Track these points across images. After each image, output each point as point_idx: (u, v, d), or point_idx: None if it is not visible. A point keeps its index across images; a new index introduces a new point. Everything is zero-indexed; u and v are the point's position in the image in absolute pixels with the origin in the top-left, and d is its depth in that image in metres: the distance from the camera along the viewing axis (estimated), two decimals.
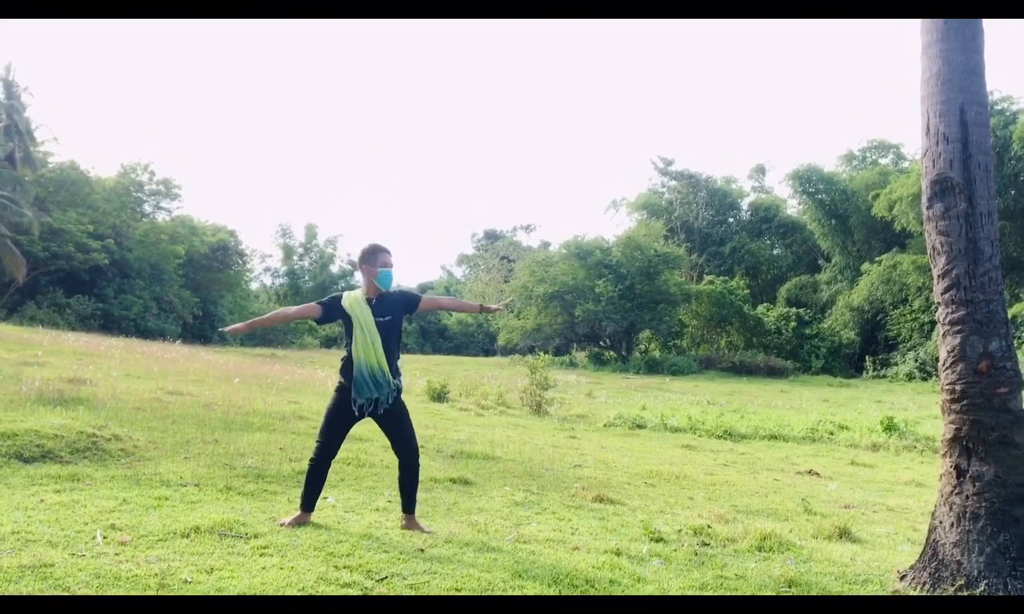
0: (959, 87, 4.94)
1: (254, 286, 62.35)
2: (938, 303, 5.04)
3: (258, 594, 4.13)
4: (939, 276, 5.00)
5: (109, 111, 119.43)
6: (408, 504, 5.99)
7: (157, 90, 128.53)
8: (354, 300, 6.00)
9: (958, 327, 4.87)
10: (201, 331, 45.16)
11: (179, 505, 6.09)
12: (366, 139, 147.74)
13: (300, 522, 5.75)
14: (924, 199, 5.11)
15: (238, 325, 6.18)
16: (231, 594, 4.10)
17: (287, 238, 70.53)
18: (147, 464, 7.60)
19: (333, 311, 6.04)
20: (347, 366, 5.95)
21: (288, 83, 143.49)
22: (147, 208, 48.26)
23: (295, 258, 70.79)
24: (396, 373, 5.97)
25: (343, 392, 5.95)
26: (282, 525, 5.67)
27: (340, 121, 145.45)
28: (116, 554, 4.69)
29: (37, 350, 17.90)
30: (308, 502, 5.90)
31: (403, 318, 6.14)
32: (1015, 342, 29.27)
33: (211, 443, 8.87)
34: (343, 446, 9.58)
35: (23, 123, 40.79)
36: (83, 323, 36.18)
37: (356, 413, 5.90)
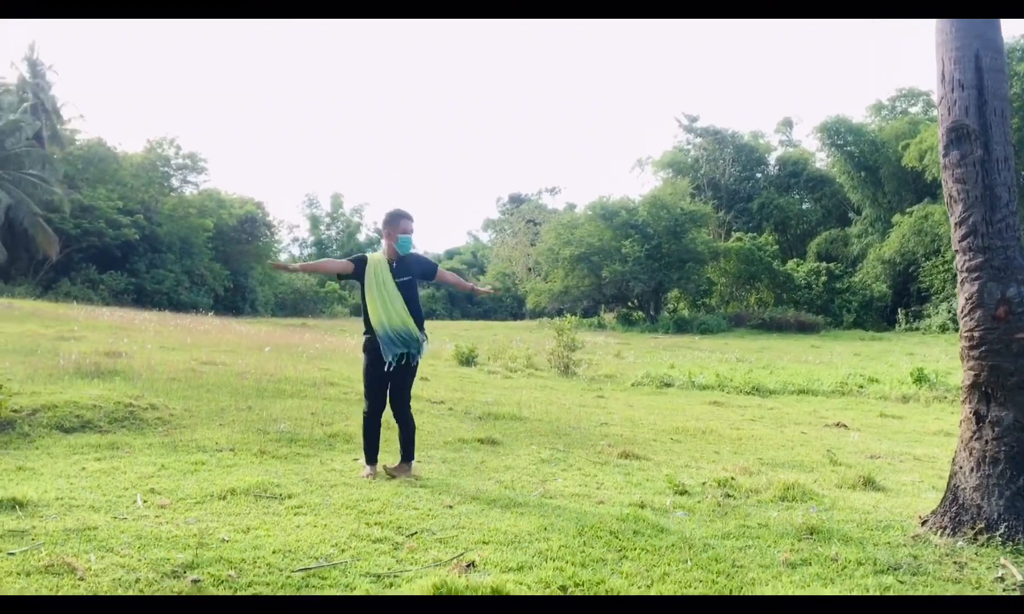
0: (973, 33, 4.91)
1: (283, 257, 62.84)
2: (956, 251, 5.05)
3: (294, 552, 4.28)
4: (956, 224, 5.01)
5: (133, 86, 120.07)
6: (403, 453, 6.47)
7: (179, 63, 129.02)
8: (376, 262, 6.45)
9: (976, 274, 4.89)
10: (233, 303, 45.69)
11: (215, 469, 6.29)
12: (391, 106, 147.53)
13: (373, 475, 6.30)
14: (940, 147, 5.11)
15: (293, 265, 6.82)
16: (267, 552, 4.26)
17: (313, 208, 71.01)
18: (183, 431, 7.81)
19: (359, 269, 6.47)
20: (370, 328, 6.40)
21: (311, 51, 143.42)
22: (174, 182, 48.64)
23: (322, 228, 71.26)
24: (421, 327, 6.45)
25: (373, 352, 6.38)
26: (363, 477, 6.25)
27: (364, 89, 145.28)
28: (156, 516, 4.88)
29: (73, 325, 18.27)
30: (371, 456, 6.44)
31: (419, 281, 6.59)
32: None
33: (245, 410, 9.08)
34: None
35: (49, 101, 41.26)
36: (116, 298, 36.75)
37: (386, 370, 6.32)
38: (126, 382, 10.00)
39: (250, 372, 12.19)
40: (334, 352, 18.16)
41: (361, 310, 6.54)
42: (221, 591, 3.71)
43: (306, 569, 4.01)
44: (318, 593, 3.73)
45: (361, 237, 72.45)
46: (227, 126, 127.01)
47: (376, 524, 4.89)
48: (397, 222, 6.44)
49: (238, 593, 3.70)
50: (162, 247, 43.09)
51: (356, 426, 8.45)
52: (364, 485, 5.96)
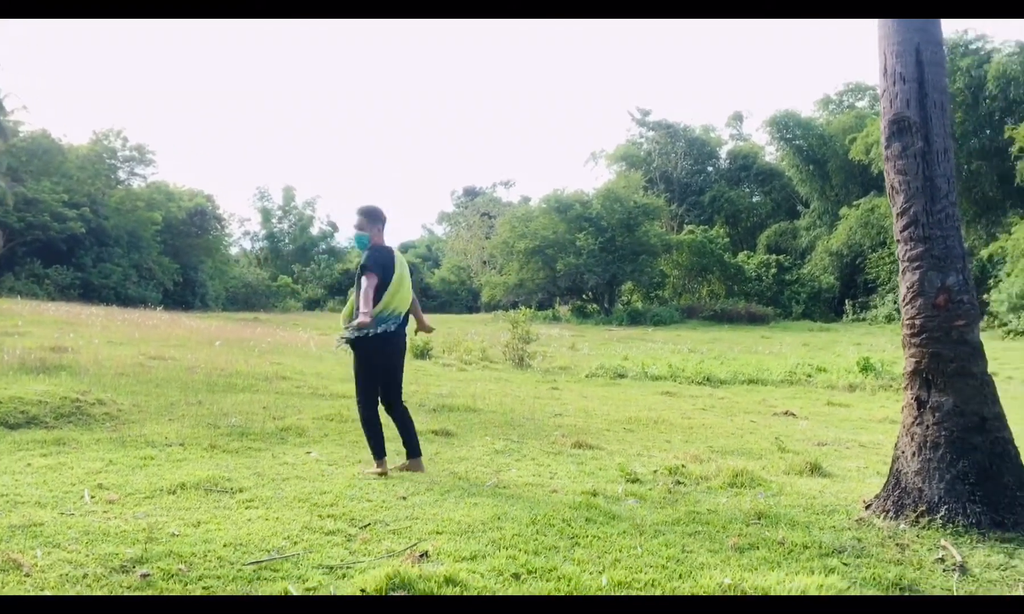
0: (915, 27, 5.04)
1: (234, 251, 61.94)
2: (898, 240, 5.18)
3: (245, 545, 4.25)
4: (898, 214, 5.14)
5: (78, 77, 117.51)
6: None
7: (126, 54, 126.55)
8: None
9: (917, 263, 5.02)
10: (182, 297, 44.95)
11: (165, 464, 6.21)
12: (341, 99, 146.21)
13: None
14: (883, 139, 5.24)
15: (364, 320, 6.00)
16: (218, 546, 4.22)
17: (265, 201, 69.95)
18: (132, 427, 7.71)
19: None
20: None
21: (258, 42, 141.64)
22: (121, 175, 47.62)
23: (274, 221, 70.35)
24: (352, 317, 6.25)
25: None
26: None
27: (314, 81, 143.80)
28: (104, 512, 4.82)
29: (17, 320, 17.85)
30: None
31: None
32: (992, 281, 29.26)
33: (195, 405, 8.98)
34: (327, 403, 9.75)
35: None
36: (62, 293, 35.90)
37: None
38: (72, 377, 9.83)
39: (200, 367, 12.04)
40: (286, 346, 18.01)
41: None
42: (171, 585, 3.67)
43: (258, 562, 3.99)
44: (270, 585, 3.71)
45: (314, 230, 71.69)
46: (176, 118, 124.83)
47: (329, 516, 4.88)
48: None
49: (188, 587, 3.67)
50: (109, 241, 42.21)
51: (308, 420, 8.43)
52: (317, 478, 5.93)
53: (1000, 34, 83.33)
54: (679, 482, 6.17)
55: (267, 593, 3.63)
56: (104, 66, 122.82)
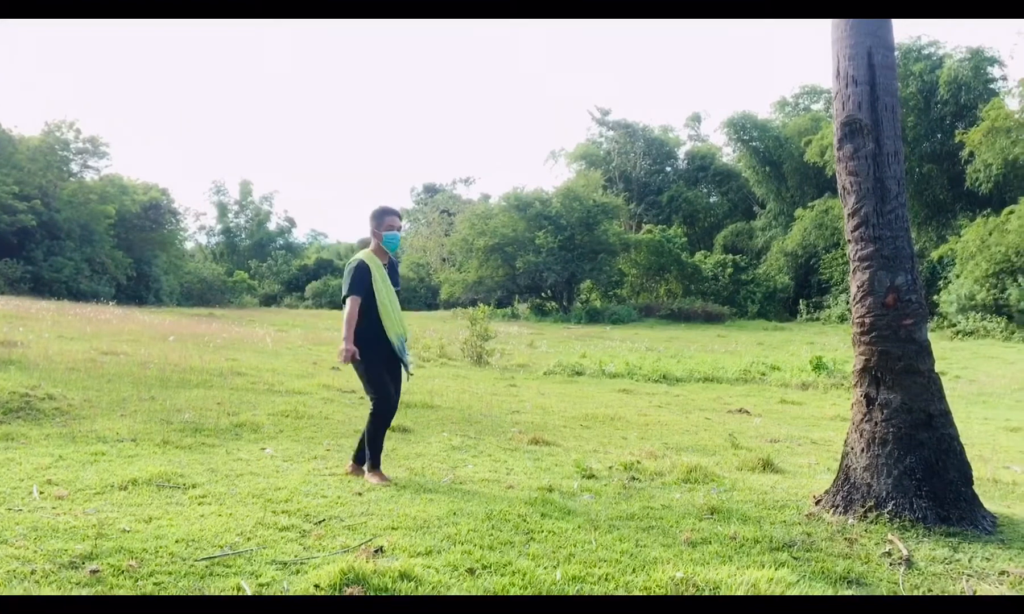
0: (867, 31, 5.13)
1: (189, 245, 61.10)
2: (849, 241, 5.28)
3: (198, 541, 4.21)
4: (849, 214, 5.24)
5: (30, 67, 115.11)
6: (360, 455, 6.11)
7: (79, 45, 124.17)
8: (376, 265, 5.95)
9: (867, 263, 5.12)
10: (136, 292, 44.26)
11: (116, 460, 6.12)
12: (301, 94, 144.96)
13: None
14: (835, 140, 5.33)
15: (349, 345, 5.76)
16: (169, 542, 4.18)
17: (221, 195, 69.31)
18: (83, 422, 7.58)
19: (368, 284, 5.89)
20: (378, 335, 5.86)
21: (217, 35, 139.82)
22: (74, 167, 46.65)
23: (230, 216, 69.64)
24: None
25: (379, 353, 5.89)
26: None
27: (273, 75, 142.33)
28: (53, 508, 4.73)
29: None
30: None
31: None
32: (942, 282, 29.79)
33: (147, 400, 8.86)
34: (283, 399, 9.67)
35: None
36: (12, 287, 35.19)
37: (407, 378, 6.09)
38: (22, 372, 9.64)
39: (153, 362, 11.88)
40: (242, 342, 17.82)
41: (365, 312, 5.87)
42: (122, 581, 3.62)
43: (210, 558, 3.95)
44: (222, 581, 3.67)
45: (271, 225, 71.04)
46: (131, 110, 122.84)
47: (283, 512, 4.84)
48: (382, 218, 6.01)
49: (139, 583, 3.62)
50: (61, 234, 41.38)
51: (264, 416, 8.36)
52: (271, 474, 5.89)
53: (952, 40, 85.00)
54: (634, 478, 6.23)
55: (220, 589, 3.60)
56: (58, 57, 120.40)
